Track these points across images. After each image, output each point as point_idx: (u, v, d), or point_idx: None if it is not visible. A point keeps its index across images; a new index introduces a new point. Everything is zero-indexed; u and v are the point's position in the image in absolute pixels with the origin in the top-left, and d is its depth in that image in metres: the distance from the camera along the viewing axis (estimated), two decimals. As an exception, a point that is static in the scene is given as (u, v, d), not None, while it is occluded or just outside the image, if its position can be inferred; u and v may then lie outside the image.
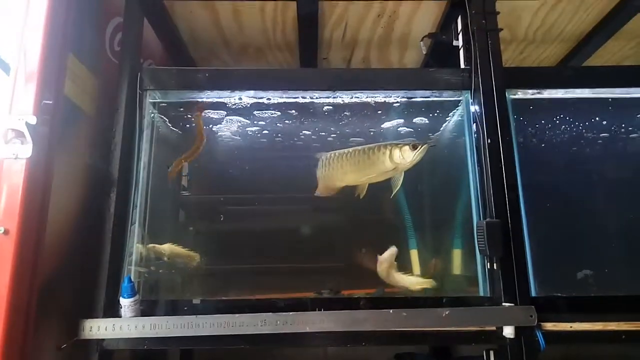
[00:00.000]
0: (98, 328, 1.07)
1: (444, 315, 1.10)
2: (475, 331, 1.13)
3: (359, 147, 1.47)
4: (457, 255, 1.63)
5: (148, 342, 1.10)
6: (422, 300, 1.18)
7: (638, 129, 1.48)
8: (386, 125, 1.64)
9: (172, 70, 1.36)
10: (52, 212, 1.03)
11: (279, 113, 1.58)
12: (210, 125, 1.64)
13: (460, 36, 1.45)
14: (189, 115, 1.54)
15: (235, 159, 1.79)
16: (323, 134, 1.71)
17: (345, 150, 1.49)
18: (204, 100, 1.44)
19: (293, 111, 1.60)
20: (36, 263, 0.97)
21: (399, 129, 1.65)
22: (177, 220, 1.75)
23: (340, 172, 1.49)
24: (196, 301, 1.19)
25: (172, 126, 1.56)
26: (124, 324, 1.08)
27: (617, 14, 1.58)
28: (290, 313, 1.11)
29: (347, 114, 1.61)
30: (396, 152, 1.40)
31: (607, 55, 1.90)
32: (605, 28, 1.66)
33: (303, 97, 1.42)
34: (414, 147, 1.39)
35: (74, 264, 1.15)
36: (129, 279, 1.10)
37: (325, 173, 1.52)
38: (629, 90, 1.38)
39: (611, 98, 1.41)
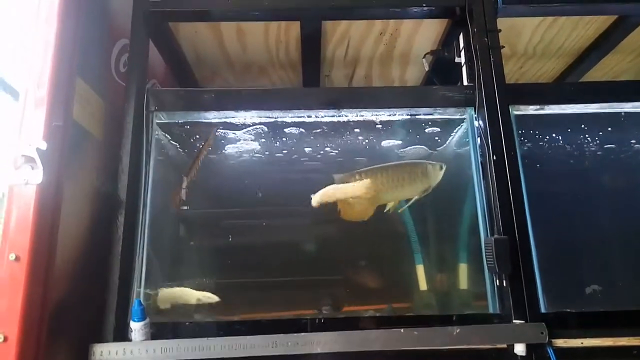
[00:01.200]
0: (109, 352, 1.06)
1: (455, 333, 1.10)
2: (486, 349, 1.12)
3: (391, 165, 1.48)
4: (463, 269, 1.63)
5: (159, 366, 1.09)
6: (431, 319, 1.18)
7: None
8: (387, 143, 1.65)
9: (179, 92, 1.38)
10: (61, 236, 1.03)
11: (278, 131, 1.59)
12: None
13: (462, 53, 1.47)
14: (196, 137, 1.55)
15: (234, 176, 1.78)
16: (322, 151, 1.71)
17: (374, 168, 1.48)
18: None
19: (293, 129, 1.60)
20: (47, 289, 0.97)
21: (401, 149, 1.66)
22: (177, 236, 1.74)
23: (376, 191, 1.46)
24: (206, 322, 1.18)
25: (178, 146, 1.56)
26: (135, 348, 1.07)
27: (615, 29, 1.61)
28: (302, 334, 1.10)
29: (348, 132, 1.61)
30: (430, 169, 1.44)
31: (604, 69, 1.93)
32: (603, 43, 1.69)
33: (307, 116, 1.43)
34: (441, 168, 1.45)
35: (83, 288, 1.14)
36: (139, 302, 1.10)
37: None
38: (634, 104, 1.40)
39: (617, 112, 1.43)
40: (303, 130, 1.56)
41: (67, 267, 1.10)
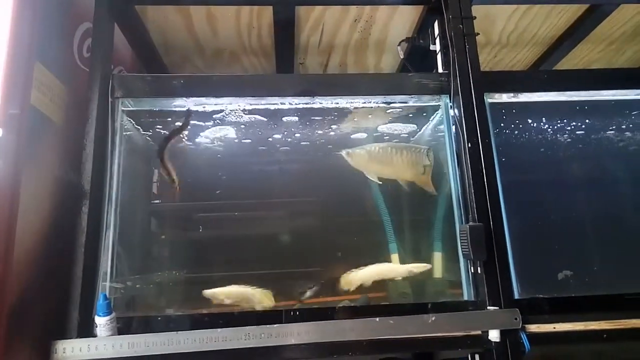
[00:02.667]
0: (72, 349, 1.01)
1: (430, 321, 1.09)
2: (461, 336, 1.12)
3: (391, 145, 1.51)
4: (437, 258, 1.63)
5: (126, 362, 1.05)
6: (407, 307, 1.17)
7: (615, 130, 1.52)
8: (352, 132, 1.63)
9: (145, 77, 1.32)
10: (20, 228, 0.98)
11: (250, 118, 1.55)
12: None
13: (437, 41, 1.46)
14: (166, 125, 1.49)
15: (207, 166, 1.74)
16: (290, 139, 1.69)
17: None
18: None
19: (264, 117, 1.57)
20: (4, 284, 0.92)
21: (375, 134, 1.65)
22: (148, 230, 1.69)
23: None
24: (174, 316, 1.14)
25: (145, 134, 1.51)
26: (100, 344, 1.02)
27: (587, 18, 1.63)
28: (275, 325, 1.08)
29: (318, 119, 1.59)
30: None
31: (575, 59, 1.95)
32: (575, 32, 1.70)
33: (282, 103, 1.40)
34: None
35: (45, 283, 1.09)
36: (105, 296, 1.05)
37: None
38: (604, 92, 1.42)
39: (591, 100, 1.44)
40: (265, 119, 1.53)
41: (26, 260, 1.04)
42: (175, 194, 1.55)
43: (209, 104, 1.37)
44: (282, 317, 1.14)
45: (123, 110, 1.32)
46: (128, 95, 1.30)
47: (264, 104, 1.40)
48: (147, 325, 1.12)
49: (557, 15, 1.62)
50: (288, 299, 1.48)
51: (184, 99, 1.33)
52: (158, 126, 1.46)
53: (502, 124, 1.44)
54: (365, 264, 1.54)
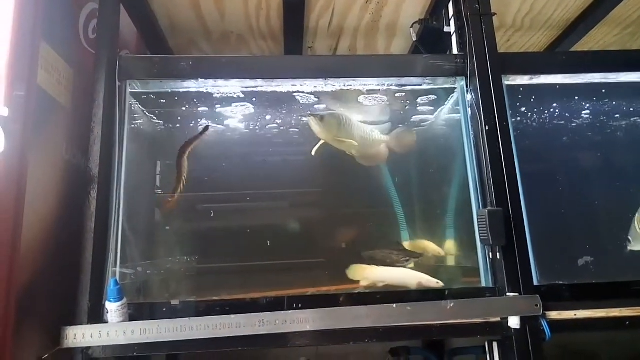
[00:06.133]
0: (83, 335, 0.99)
1: (448, 307, 1.07)
2: (480, 323, 1.09)
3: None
4: (450, 245, 1.61)
5: (138, 348, 1.02)
6: (424, 294, 1.14)
7: (636, 114, 1.48)
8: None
9: (153, 59, 1.28)
10: (27, 212, 0.95)
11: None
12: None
13: (452, 22, 1.42)
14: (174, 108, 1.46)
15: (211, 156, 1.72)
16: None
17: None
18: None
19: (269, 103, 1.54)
20: (12, 269, 0.88)
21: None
22: (152, 219, 1.66)
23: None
24: (187, 302, 1.12)
25: (152, 117, 1.48)
26: (111, 330, 1.00)
27: (604, 0, 1.58)
28: (290, 311, 1.05)
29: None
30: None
31: (591, 42, 1.91)
32: (591, 15, 1.65)
33: (292, 85, 1.36)
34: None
35: (54, 268, 1.06)
36: (115, 281, 1.03)
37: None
38: (624, 75, 1.37)
39: (614, 82, 1.40)
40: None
41: (35, 246, 1.01)
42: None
43: (218, 86, 1.33)
44: (293, 303, 1.11)
45: (130, 93, 1.29)
46: (135, 77, 1.27)
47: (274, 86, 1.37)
48: (157, 312, 1.10)
49: (575, -4, 1.57)
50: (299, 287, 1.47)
51: (193, 80, 1.29)
52: (166, 109, 1.43)
53: (519, 107, 1.41)
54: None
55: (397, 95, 1.51)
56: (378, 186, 1.70)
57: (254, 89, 1.38)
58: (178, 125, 1.63)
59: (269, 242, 1.60)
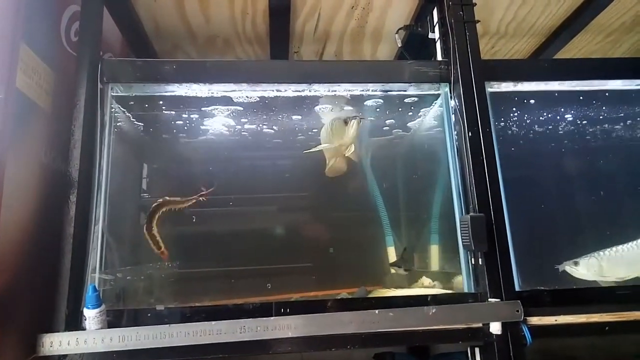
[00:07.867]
0: (60, 343, 0.97)
1: (430, 313, 1.07)
2: (462, 329, 1.10)
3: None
4: (434, 251, 1.61)
5: (117, 356, 1.00)
6: (407, 300, 1.14)
7: (617, 121, 1.50)
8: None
9: (136, 62, 1.28)
10: (4, 216, 0.93)
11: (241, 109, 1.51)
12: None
13: (436, 28, 1.43)
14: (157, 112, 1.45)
15: (198, 159, 1.71)
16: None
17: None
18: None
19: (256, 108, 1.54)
20: (-13, 274, 0.87)
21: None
22: (138, 224, 1.64)
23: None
24: (167, 309, 1.10)
25: (136, 121, 1.46)
26: (89, 337, 0.98)
27: (586, 8, 1.60)
28: (272, 318, 1.05)
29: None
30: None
31: (574, 50, 1.93)
32: (574, 22, 1.68)
33: (277, 91, 1.36)
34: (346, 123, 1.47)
35: (31, 274, 1.04)
36: (94, 287, 1.01)
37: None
38: (608, 82, 1.40)
39: (595, 90, 1.42)
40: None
41: (12, 250, 0.99)
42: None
43: (202, 90, 1.32)
44: (277, 309, 1.10)
45: (113, 96, 1.27)
46: (118, 80, 1.25)
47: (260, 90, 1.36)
48: (138, 318, 1.08)
49: (557, 4, 1.59)
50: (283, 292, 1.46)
51: (176, 84, 1.28)
52: (149, 112, 1.42)
53: (501, 114, 1.42)
54: (361, 256, 1.53)
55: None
56: (363, 191, 1.70)
57: (239, 93, 1.37)
58: (162, 129, 1.62)
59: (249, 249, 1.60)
